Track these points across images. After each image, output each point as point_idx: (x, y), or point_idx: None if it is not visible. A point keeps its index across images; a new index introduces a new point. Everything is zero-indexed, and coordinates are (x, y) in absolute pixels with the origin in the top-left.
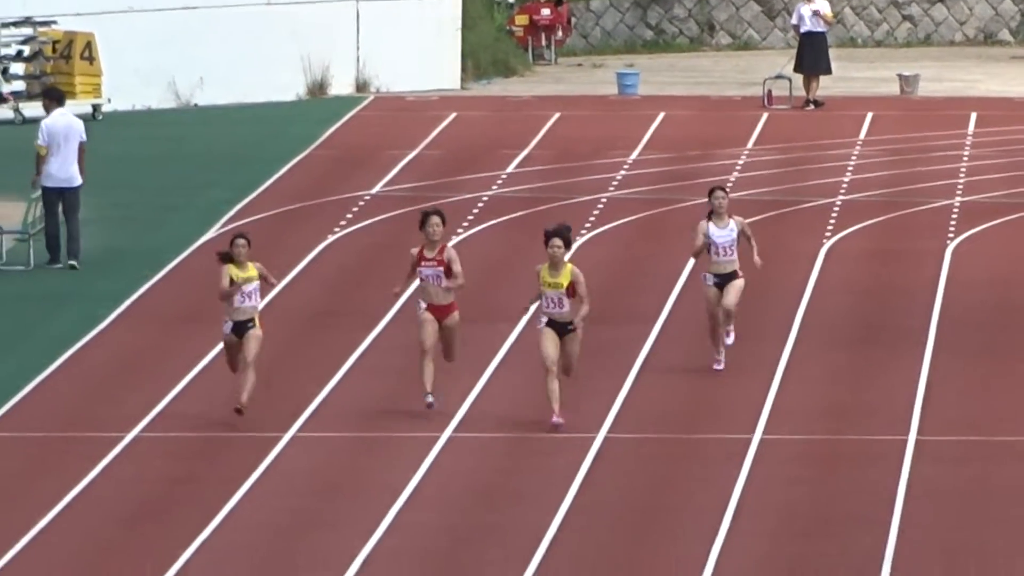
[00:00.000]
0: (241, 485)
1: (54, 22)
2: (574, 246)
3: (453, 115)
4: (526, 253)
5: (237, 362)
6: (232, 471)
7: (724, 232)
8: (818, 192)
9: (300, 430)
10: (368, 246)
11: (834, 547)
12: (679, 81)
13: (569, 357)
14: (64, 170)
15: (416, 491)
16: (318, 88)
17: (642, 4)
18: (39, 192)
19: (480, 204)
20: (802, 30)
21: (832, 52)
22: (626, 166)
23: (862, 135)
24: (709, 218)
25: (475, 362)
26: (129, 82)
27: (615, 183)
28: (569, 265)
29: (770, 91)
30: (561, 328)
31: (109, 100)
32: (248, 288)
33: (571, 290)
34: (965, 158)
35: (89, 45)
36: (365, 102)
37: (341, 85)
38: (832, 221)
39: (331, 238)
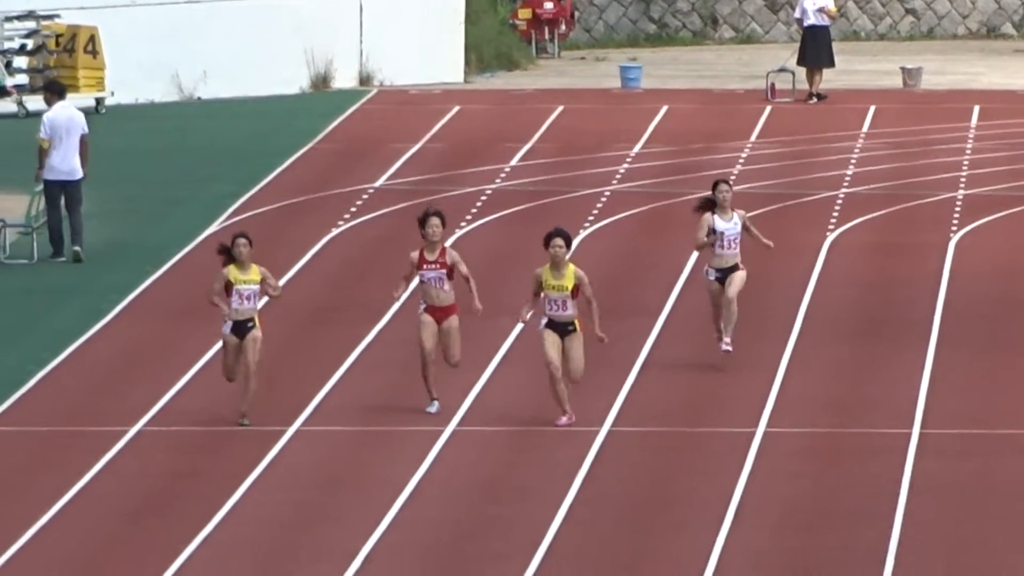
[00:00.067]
0: (244, 480)
1: (58, 16)
2: (577, 239)
3: (456, 108)
4: (529, 246)
5: (233, 365)
6: (235, 466)
7: (730, 224)
8: (821, 185)
9: (303, 425)
10: (371, 240)
11: (837, 541)
12: (682, 75)
13: (575, 362)
14: (66, 163)
15: (419, 485)
16: (321, 81)
17: None
18: (42, 186)
19: (483, 197)
20: (805, 24)
21: (835, 45)
22: (629, 159)
23: (865, 128)
24: (713, 212)
25: (478, 356)
26: (132, 75)
27: (618, 176)
28: (572, 266)
29: (773, 84)
30: (561, 328)
31: (112, 93)
32: (246, 291)
33: (575, 292)
34: (968, 151)
35: (92, 38)
36: (368, 95)
37: (344, 79)
38: (835, 214)
39: (334, 232)
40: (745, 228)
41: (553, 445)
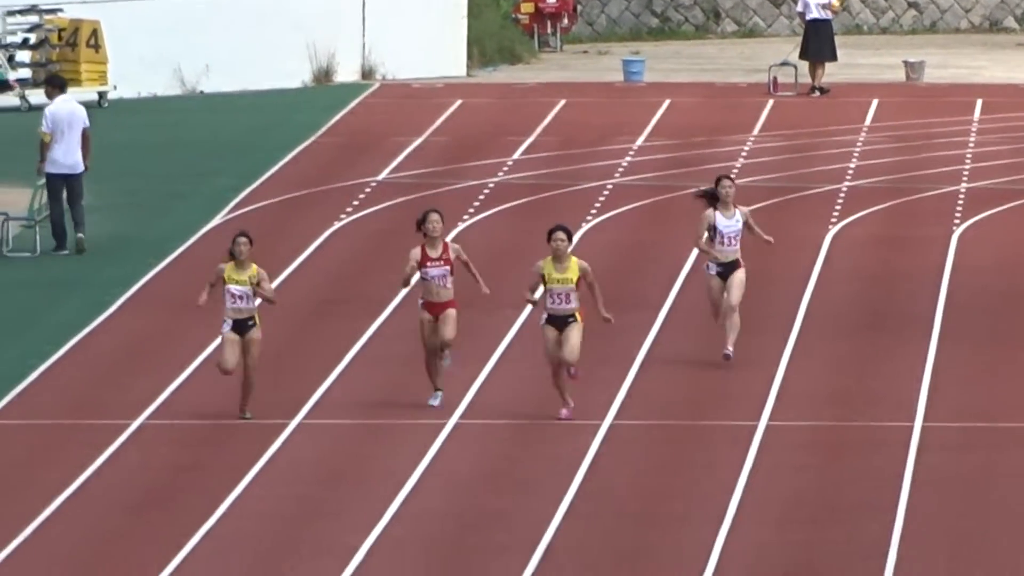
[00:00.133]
0: (246, 473)
1: (60, 10)
2: (579, 233)
3: (459, 102)
4: (532, 240)
5: (231, 357)
6: (237, 459)
7: (731, 222)
8: (824, 179)
9: (305, 418)
10: (374, 233)
11: (839, 534)
12: (685, 68)
13: (570, 345)
14: (69, 156)
15: (421, 479)
16: (324, 75)
17: None
18: (44, 179)
19: (486, 191)
20: (808, 17)
21: (838, 39)
22: (631, 153)
23: (868, 122)
24: (715, 207)
25: (480, 349)
26: (134, 69)
27: (621, 170)
28: (574, 259)
29: (775, 78)
30: (562, 322)
31: (115, 87)
32: (238, 291)
33: (578, 284)
34: (971, 144)
35: (95, 33)
36: (371, 89)
37: (347, 72)
38: (838, 208)
39: (337, 225)
40: (747, 226)
41: (555, 438)
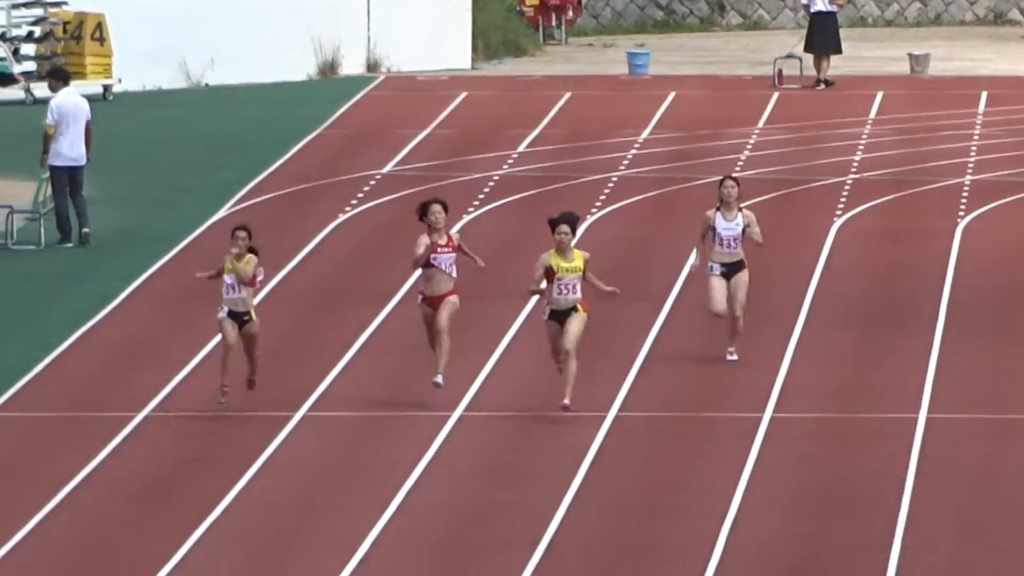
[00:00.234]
0: (251, 465)
1: (65, 3)
2: (584, 225)
3: (464, 95)
4: (537, 232)
5: (231, 335)
6: (242, 451)
7: (730, 225)
8: (828, 171)
9: (310, 410)
10: (379, 226)
11: (844, 526)
12: (689, 61)
13: (570, 334)
14: (75, 149)
15: (426, 471)
16: (329, 68)
17: None
18: (48, 172)
19: (491, 184)
20: (812, 10)
21: (842, 32)
22: (636, 145)
23: (872, 114)
24: (717, 208)
25: (485, 341)
26: (139, 63)
27: (625, 162)
28: (576, 250)
29: (780, 71)
30: (564, 315)
31: (120, 81)
32: (229, 280)
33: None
34: (975, 137)
35: (100, 26)
36: (376, 82)
37: (352, 65)
38: (842, 200)
39: (342, 218)
40: (745, 230)
41: (559, 431)
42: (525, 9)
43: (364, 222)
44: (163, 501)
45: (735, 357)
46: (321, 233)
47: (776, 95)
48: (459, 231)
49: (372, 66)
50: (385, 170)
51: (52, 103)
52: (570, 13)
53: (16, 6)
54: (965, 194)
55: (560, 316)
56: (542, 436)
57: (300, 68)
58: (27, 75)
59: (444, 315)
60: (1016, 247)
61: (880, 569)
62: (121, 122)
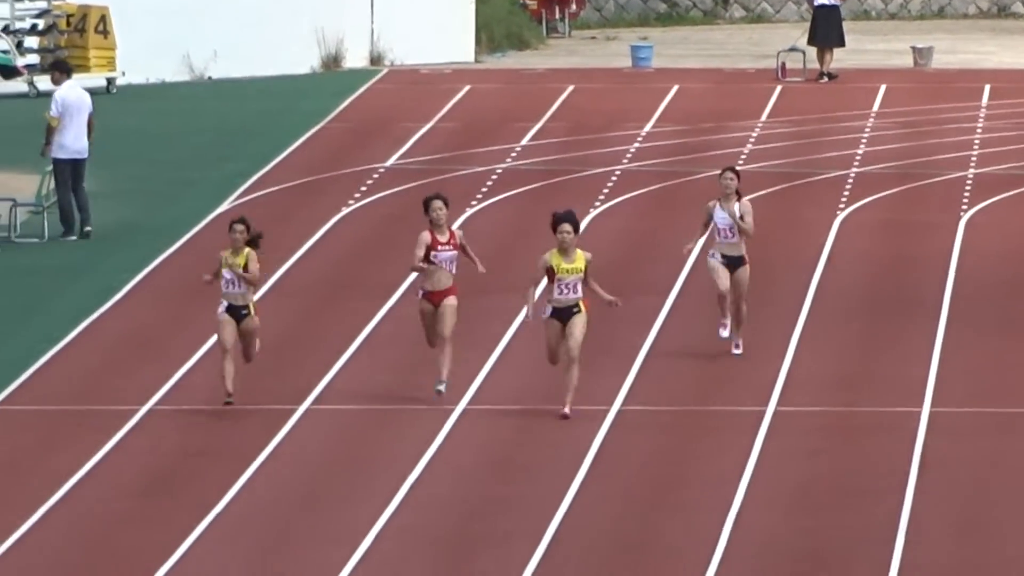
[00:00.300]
0: (254, 459)
1: None
2: (587, 219)
3: (467, 88)
4: (540, 226)
5: (228, 338)
6: (245, 445)
7: (725, 214)
8: (831, 164)
9: (313, 404)
10: (382, 219)
11: (848, 518)
12: (693, 54)
13: (573, 338)
14: (79, 142)
15: (429, 464)
16: (332, 61)
17: None
18: (52, 165)
19: (494, 177)
20: (816, 3)
21: (846, 25)
22: (640, 138)
23: (875, 107)
24: (718, 198)
25: (488, 335)
26: (143, 55)
27: (629, 155)
28: (579, 251)
29: (784, 64)
30: (566, 313)
31: (123, 73)
32: (228, 275)
33: (585, 272)
34: (979, 130)
35: (103, 18)
36: (379, 75)
37: (355, 58)
38: (846, 193)
39: (345, 211)
40: (739, 219)
41: (562, 425)
42: (528, 2)
43: (368, 215)
44: (166, 494)
45: (739, 351)
46: (325, 226)
47: (779, 88)
48: (460, 226)
49: (376, 59)
50: (389, 163)
51: (56, 95)
52: (573, 6)
53: None
54: (968, 187)
55: (562, 315)
56: (545, 430)
57: (304, 61)
58: (31, 68)
59: (447, 324)
60: (1020, 240)
61: (883, 563)
62: (124, 115)
